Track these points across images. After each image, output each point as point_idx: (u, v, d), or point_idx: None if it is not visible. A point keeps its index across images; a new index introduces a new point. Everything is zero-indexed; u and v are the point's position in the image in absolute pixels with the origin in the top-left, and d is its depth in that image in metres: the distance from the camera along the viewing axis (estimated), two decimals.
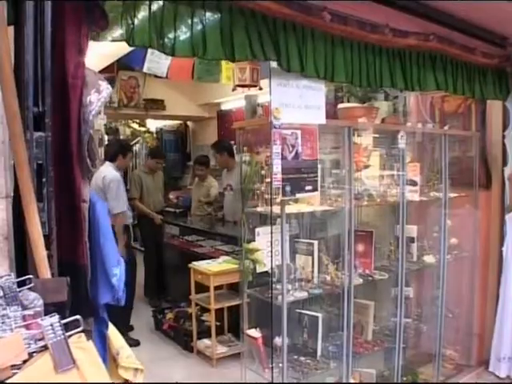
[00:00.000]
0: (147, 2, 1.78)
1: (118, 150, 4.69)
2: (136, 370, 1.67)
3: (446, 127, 3.60)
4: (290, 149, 2.43)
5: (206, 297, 4.18)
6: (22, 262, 1.41)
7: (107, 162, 4.57)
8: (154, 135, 8.09)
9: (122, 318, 4.18)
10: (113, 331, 1.72)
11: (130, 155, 5.06)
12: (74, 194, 1.49)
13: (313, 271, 2.86)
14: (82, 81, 1.49)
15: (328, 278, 2.89)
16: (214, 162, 5.88)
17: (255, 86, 2.83)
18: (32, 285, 1.27)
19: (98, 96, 1.49)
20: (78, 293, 1.48)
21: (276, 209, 2.51)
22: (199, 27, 1.94)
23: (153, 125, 8.10)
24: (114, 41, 1.77)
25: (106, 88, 1.52)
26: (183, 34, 1.92)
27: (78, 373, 1.12)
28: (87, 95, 1.49)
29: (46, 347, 1.11)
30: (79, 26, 1.51)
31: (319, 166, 2.62)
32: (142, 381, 1.67)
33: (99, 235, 1.57)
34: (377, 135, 3.26)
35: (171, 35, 1.87)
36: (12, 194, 1.41)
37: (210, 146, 5.64)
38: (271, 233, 2.54)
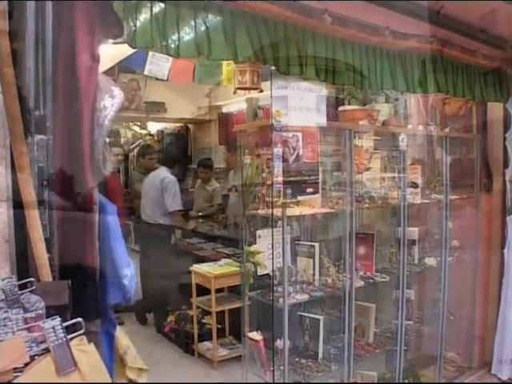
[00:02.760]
0: (149, 4, 1.78)
1: (177, 160, 5.53)
2: (140, 369, 1.70)
3: (446, 129, 3.61)
4: (291, 151, 2.43)
5: (207, 299, 4.18)
6: (24, 265, 1.42)
7: (163, 167, 5.08)
8: (155, 138, 8.08)
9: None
10: (119, 332, 1.72)
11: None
12: (86, 197, 1.50)
13: (314, 274, 2.86)
14: (94, 86, 1.50)
15: (329, 280, 2.89)
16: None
17: (256, 89, 2.82)
18: (33, 288, 1.27)
19: (111, 101, 1.51)
20: (86, 294, 1.48)
21: (277, 211, 2.50)
22: (203, 28, 1.95)
23: (154, 127, 8.09)
24: (116, 43, 1.77)
25: (118, 93, 1.54)
26: (187, 35, 1.92)
27: (80, 375, 1.12)
28: (101, 100, 1.50)
29: (47, 350, 1.11)
30: (92, 32, 1.53)
31: (320, 169, 2.62)
32: (145, 381, 1.70)
33: (110, 237, 1.56)
34: (378, 137, 3.26)
35: (174, 36, 1.87)
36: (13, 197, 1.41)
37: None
38: (272, 235, 2.54)
